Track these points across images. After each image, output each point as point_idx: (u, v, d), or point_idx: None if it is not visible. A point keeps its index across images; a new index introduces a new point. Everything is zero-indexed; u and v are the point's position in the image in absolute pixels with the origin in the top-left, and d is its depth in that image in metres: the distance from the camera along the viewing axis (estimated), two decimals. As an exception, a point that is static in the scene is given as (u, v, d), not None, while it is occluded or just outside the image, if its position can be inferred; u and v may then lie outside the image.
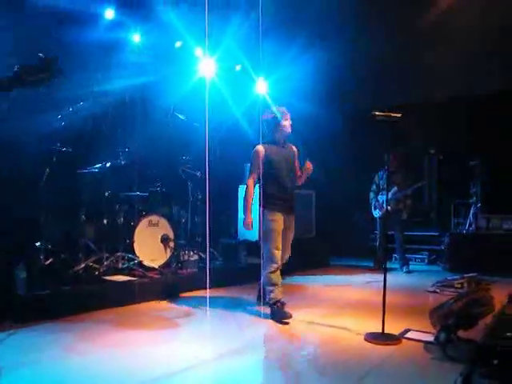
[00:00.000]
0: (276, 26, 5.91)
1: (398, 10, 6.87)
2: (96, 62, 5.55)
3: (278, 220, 3.96)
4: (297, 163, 4.28)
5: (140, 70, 6.06)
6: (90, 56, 5.45)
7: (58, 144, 4.70)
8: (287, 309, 3.89)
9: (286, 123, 4.10)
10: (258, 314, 4.05)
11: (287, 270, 6.36)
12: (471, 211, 7.50)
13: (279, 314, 3.85)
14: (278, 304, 3.90)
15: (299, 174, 4.26)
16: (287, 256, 4.19)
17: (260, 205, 4.05)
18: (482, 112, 7.68)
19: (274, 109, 4.09)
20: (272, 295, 3.93)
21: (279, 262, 3.98)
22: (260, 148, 4.06)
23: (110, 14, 5.79)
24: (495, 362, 2.14)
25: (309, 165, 4.14)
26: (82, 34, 5.28)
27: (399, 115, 3.45)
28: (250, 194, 4.03)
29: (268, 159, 4.03)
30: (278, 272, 3.99)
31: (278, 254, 3.95)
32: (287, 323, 3.76)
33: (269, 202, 3.98)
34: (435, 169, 8.71)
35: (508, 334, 2.29)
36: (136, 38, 6.23)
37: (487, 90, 7.76)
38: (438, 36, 7.11)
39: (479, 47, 7.02)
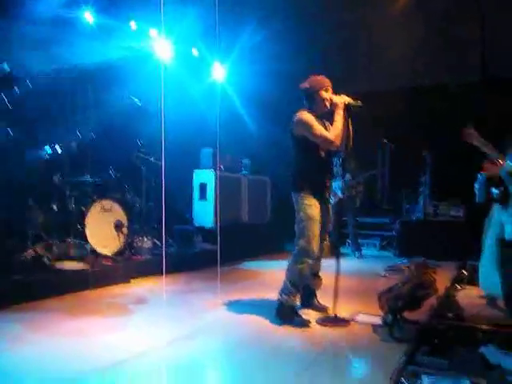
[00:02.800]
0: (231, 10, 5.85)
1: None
2: (45, 40, 5.30)
3: (317, 206, 3.43)
4: None
5: (93, 50, 5.84)
6: (37, 33, 5.19)
7: (5, 126, 4.48)
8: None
9: (325, 95, 3.41)
10: (211, 300, 4.05)
11: (244, 255, 6.41)
12: (421, 199, 7.79)
13: (299, 321, 3.39)
14: (295, 312, 3.48)
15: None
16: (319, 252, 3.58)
17: (295, 188, 3.49)
18: (432, 104, 7.95)
19: (313, 78, 3.47)
20: (292, 298, 3.45)
21: (314, 258, 3.43)
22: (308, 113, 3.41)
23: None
24: (436, 341, 2.26)
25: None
26: (30, 8, 5.03)
27: (360, 104, 3.39)
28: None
29: None
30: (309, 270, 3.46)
31: (314, 247, 3.39)
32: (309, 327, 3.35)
33: (306, 184, 3.43)
34: (388, 158, 8.95)
35: (449, 314, 2.41)
36: (88, 16, 6.00)
37: (438, 82, 8.05)
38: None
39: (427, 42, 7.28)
